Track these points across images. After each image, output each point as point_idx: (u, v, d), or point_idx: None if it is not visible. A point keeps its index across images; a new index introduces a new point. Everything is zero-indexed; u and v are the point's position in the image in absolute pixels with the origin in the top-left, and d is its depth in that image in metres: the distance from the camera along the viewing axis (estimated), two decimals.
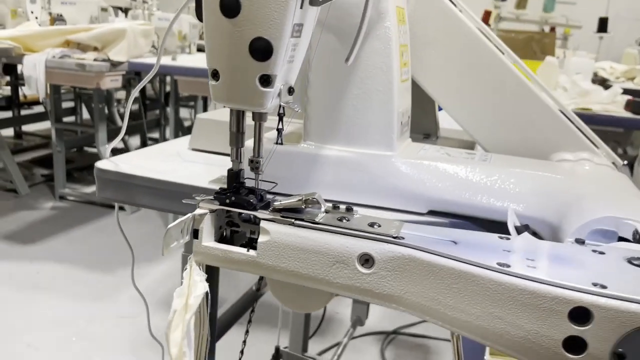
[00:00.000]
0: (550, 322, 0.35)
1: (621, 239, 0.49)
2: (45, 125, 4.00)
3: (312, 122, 0.67)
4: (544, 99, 0.72)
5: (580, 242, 0.50)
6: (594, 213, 0.52)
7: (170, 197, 0.72)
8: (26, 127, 4.21)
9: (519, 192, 0.62)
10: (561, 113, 0.72)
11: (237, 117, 0.43)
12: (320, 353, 1.66)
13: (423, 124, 0.85)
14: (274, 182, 0.46)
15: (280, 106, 0.67)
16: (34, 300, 2.03)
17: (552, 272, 0.37)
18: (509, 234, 0.53)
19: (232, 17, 0.39)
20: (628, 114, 1.85)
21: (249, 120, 0.49)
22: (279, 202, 0.44)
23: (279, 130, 0.68)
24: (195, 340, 0.48)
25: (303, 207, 0.43)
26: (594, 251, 0.41)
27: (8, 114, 3.95)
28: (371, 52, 0.63)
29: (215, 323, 1.02)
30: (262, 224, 0.42)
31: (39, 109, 3.68)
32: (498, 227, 0.63)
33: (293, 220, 0.42)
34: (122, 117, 4.02)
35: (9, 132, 4.09)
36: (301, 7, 0.40)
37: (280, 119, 0.68)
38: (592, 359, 0.35)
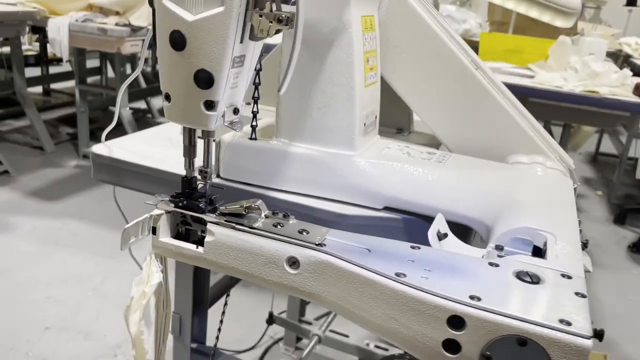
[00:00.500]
0: (433, 326, 0.42)
1: (536, 247, 0.55)
2: (72, 84, 4.13)
3: (283, 121, 0.73)
4: (502, 103, 0.76)
5: (499, 248, 0.56)
6: (517, 221, 0.57)
7: (157, 182, 0.79)
8: (54, 85, 4.34)
9: (464, 194, 0.67)
10: (520, 117, 0.77)
11: (189, 133, 0.50)
12: (318, 318, 1.75)
13: (396, 119, 0.90)
14: (221, 188, 0.52)
15: (253, 104, 0.73)
16: (55, 255, 2.17)
17: (440, 282, 0.43)
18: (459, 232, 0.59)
19: (180, 51, 0.45)
20: (635, 99, 1.85)
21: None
22: (224, 207, 0.50)
23: (253, 127, 0.75)
24: (159, 319, 0.56)
25: (244, 212, 0.50)
26: (490, 264, 0.47)
27: (37, 71, 4.07)
28: (335, 61, 0.68)
29: (207, 289, 1.10)
30: (209, 225, 0.49)
31: (67, 66, 3.79)
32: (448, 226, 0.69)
33: (234, 224, 0.49)
34: (146, 77, 4.10)
35: (37, 89, 4.23)
36: (241, 42, 0.46)
37: (254, 116, 0.74)
38: (465, 359, 0.41)
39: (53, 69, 4.25)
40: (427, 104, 0.80)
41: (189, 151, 0.50)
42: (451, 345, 0.42)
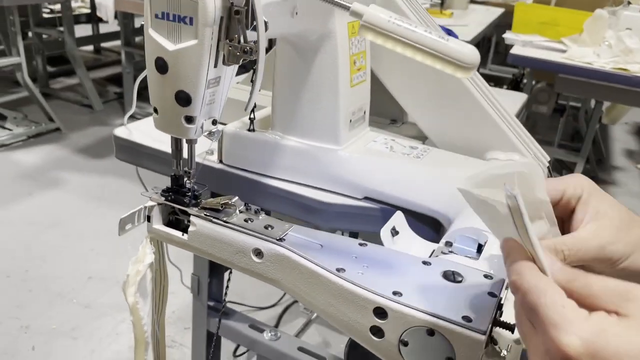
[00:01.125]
0: (362, 314, 0.50)
1: (481, 245, 0.62)
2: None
3: (276, 115, 0.81)
4: (481, 101, 0.81)
5: (448, 244, 0.63)
6: (472, 219, 0.64)
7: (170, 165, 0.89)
8: (105, 44, 4.50)
9: (433, 189, 0.74)
10: (498, 115, 0.82)
11: (175, 140, 0.59)
12: None
13: (391, 110, 0.96)
14: (204, 185, 0.61)
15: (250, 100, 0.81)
16: (98, 210, 2.35)
17: (372, 278, 0.51)
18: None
19: (163, 74, 0.53)
20: None
21: None
22: (205, 202, 0.59)
23: (251, 120, 0.83)
24: (156, 291, 0.67)
25: (221, 208, 0.58)
26: (424, 262, 0.54)
27: (88, 28, 4.22)
28: (320, 65, 0.75)
29: None
30: (192, 217, 0.59)
31: (117, 25, 3.93)
32: (420, 217, 0.76)
33: (212, 218, 0.58)
34: None
35: (88, 47, 4.41)
36: (215, 67, 0.53)
37: (252, 111, 0.82)
38: (388, 343, 0.50)
39: (103, 28, 4.41)
40: (413, 100, 0.86)
41: (176, 155, 0.59)
42: (377, 331, 0.50)
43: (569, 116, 3.23)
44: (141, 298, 0.62)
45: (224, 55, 0.53)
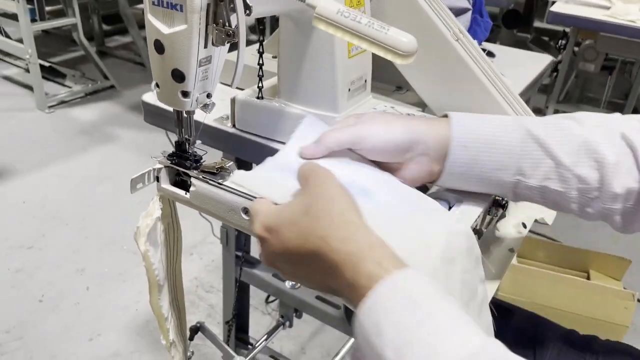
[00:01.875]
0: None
1: (451, 206, 0.68)
2: None
3: (281, 85, 0.88)
4: (477, 74, 0.85)
5: None
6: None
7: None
8: None
9: None
10: (494, 88, 0.85)
11: (176, 112, 0.67)
12: None
13: (396, 77, 1.00)
14: (205, 150, 0.69)
15: (259, 68, 0.88)
16: (148, 165, 2.50)
17: None
18: None
19: (161, 54, 0.61)
20: None
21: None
22: (204, 166, 0.68)
23: (260, 89, 0.90)
24: (170, 241, 0.77)
25: (216, 172, 0.67)
26: None
27: None
28: (318, 38, 0.80)
29: None
30: (192, 179, 0.67)
31: None
32: None
33: (208, 180, 0.66)
34: None
35: (141, 5, 4.54)
36: (205, 47, 0.61)
37: (260, 79, 0.89)
38: None
39: None
40: (414, 70, 0.90)
41: (177, 124, 0.67)
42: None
43: (625, 72, 3.12)
44: (152, 247, 0.72)
45: (212, 38, 0.60)
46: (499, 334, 0.52)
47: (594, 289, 1.68)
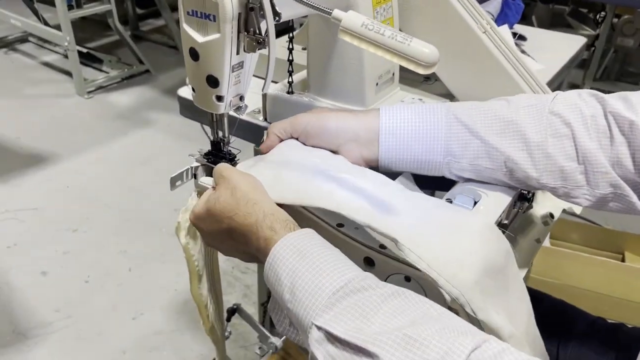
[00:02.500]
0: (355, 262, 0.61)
1: (476, 202, 0.70)
2: None
3: (311, 79, 0.90)
4: (504, 65, 0.85)
5: (449, 201, 0.71)
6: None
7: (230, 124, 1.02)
8: None
9: None
10: (522, 79, 0.86)
11: (211, 113, 0.70)
12: None
13: None
14: (239, 149, 0.73)
15: (289, 64, 0.90)
16: (185, 149, 2.57)
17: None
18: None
19: (196, 61, 0.64)
20: None
21: None
22: (238, 164, 0.72)
23: (290, 83, 0.93)
24: None
25: None
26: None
27: None
28: None
29: None
30: None
31: None
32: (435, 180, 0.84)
33: None
34: None
35: None
36: (237, 53, 0.64)
37: (290, 74, 0.92)
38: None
39: None
40: (442, 61, 0.91)
41: (212, 126, 0.71)
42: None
43: None
44: (191, 240, 0.76)
45: (244, 45, 0.63)
46: None
47: (628, 270, 1.67)
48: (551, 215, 0.85)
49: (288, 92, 0.92)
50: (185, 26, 0.63)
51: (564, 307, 0.84)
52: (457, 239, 0.58)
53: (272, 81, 0.79)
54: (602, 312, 0.86)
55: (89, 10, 2.89)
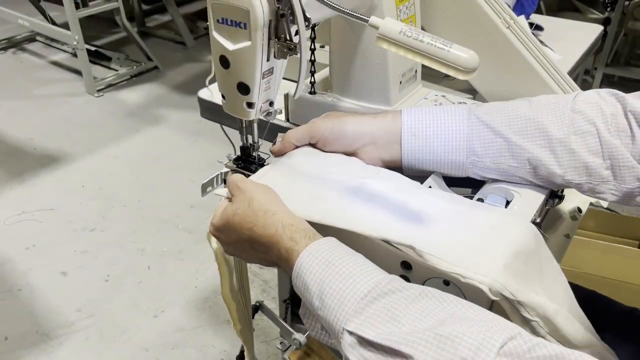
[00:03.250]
0: (393, 267, 0.62)
1: (508, 202, 0.70)
2: None
3: (334, 79, 0.90)
4: (529, 60, 0.85)
5: (480, 200, 0.72)
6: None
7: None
8: None
9: None
10: (547, 74, 0.86)
11: (240, 119, 0.71)
12: None
13: None
14: (267, 154, 0.73)
15: (311, 64, 0.90)
16: (196, 145, 2.58)
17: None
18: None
19: (226, 69, 0.65)
20: None
21: None
22: None
23: (312, 83, 0.93)
24: None
25: None
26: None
27: None
28: (369, 35, 0.82)
29: None
30: None
31: None
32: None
33: None
34: None
35: None
36: (268, 60, 0.64)
37: (312, 75, 0.92)
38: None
39: None
40: None
41: (242, 132, 0.71)
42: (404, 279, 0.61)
43: None
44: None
45: (274, 51, 0.63)
46: None
47: None
48: (579, 210, 0.85)
49: (310, 92, 0.92)
50: (215, 34, 0.64)
51: (596, 298, 0.84)
52: (476, 232, 0.58)
53: (293, 81, 0.79)
54: (622, 300, 0.87)
55: (97, 8, 2.88)
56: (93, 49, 3.22)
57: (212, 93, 1.07)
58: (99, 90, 3.00)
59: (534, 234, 0.60)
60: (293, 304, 1.51)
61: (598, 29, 1.38)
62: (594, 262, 1.69)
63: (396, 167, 0.72)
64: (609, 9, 3.04)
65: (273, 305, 1.72)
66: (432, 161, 0.69)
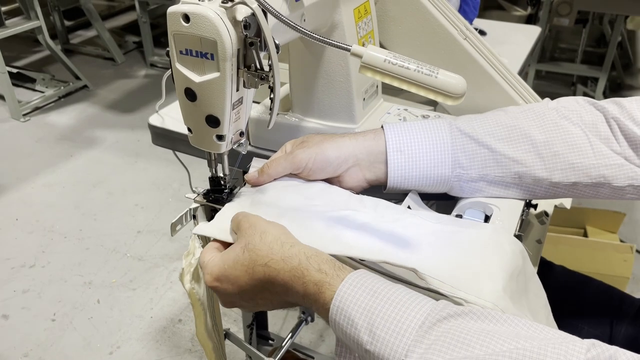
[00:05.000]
0: None
1: (488, 217, 0.70)
2: None
3: (295, 100, 0.88)
4: (488, 69, 0.86)
5: (459, 216, 0.71)
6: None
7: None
8: None
9: None
10: (506, 83, 0.86)
11: (209, 153, 0.67)
12: None
13: None
14: (236, 186, 0.70)
15: (270, 90, 0.87)
16: (136, 165, 2.47)
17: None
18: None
19: (193, 101, 0.61)
20: None
21: None
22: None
23: (272, 102, 0.89)
24: None
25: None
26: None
27: None
28: (331, 55, 0.80)
29: None
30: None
31: None
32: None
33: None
34: None
35: None
36: (237, 90, 0.60)
37: (272, 102, 0.89)
38: None
39: None
40: None
41: (210, 164, 0.67)
42: None
43: (594, 20, 3.15)
44: (196, 283, 0.72)
45: (243, 81, 0.59)
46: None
47: (594, 246, 1.74)
48: (546, 214, 0.87)
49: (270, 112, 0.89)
50: (178, 66, 0.59)
51: (612, 292, 0.85)
52: (471, 253, 0.58)
53: (255, 102, 0.76)
54: None
55: (16, 29, 2.71)
56: (15, 70, 3.03)
57: (163, 119, 1.02)
58: (25, 115, 2.82)
59: (521, 251, 0.60)
60: (257, 325, 1.47)
61: (537, 30, 1.42)
62: (545, 254, 1.75)
63: (379, 185, 0.70)
64: (532, 7, 3.18)
65: (235, 328, 1.67)
66: (417, 177, 0.68)
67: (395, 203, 0.69)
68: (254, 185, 0.69)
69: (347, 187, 0.71)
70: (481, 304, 0.51)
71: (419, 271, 0.54)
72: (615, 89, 3.09)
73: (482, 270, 0.56)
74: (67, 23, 3.75)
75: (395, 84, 0.49)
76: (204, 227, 0.67)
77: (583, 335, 0.43)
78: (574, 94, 2.91)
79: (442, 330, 0.45)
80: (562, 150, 0.64)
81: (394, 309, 0.46)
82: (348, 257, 0.59)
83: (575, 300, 0.66)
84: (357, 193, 0.71)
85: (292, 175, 0.70)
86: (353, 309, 0.48)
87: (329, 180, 0.71)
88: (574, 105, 0.66)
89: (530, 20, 3.19)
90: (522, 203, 0.70)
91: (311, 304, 0.52)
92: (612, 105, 0.64)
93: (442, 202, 0.81)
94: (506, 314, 0.47)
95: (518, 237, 0.69)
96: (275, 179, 0.70)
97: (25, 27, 2.75)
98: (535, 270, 0.64)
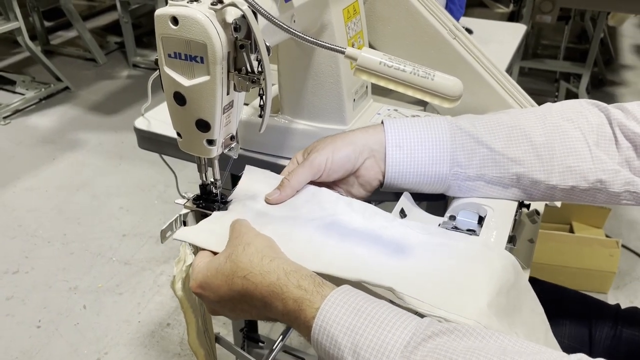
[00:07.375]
0: None
1: (481, 218, 0.69)
2: None
3: (284, 102, 0.86)
4: (477, 69, 0.85)
5: (452, 218, 0.71)
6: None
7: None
8: None
9: None
10: (496, 82, 0.86)
11: (198, 158, 0.65)
12: None
13: None
14: (230, 190, 0.68)
15: (260, 88, 0.86)
16: (120, 168, 2.44)
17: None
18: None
19: (182, 106, 0.59)
20: None
21: None
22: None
23: (261, 106, 0.88)
24: None
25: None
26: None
27: None
28: (320, 55, 0.79)
29: None
30: None
31: None
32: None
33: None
34: None
35: None
36: (228, 94, 0.59)
37: (261, 97, 0.87)
38: None
39: None
40: None
41: (200, 170, 0.66)
42: None
43: (575, 16, 3.18)
44: (187, 291, 0.71)
45: (234, 84, 0.58)
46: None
47: (580, 241, 1.75)
48: (537, 213, 0.87)
49: (260, 115, 0.88)
50: (167, 69, 0.58)
51: (587, 299, 0.85)
52: (457, 268, 0.57)
53: (245, 103, 0.75)
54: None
55: None
56: None
57: (149, 122, 1.00)
58: (5, 118, 2.77)
59: (513, 265, 0.59)
60: (249, 331, 1.45)
61: (522, 28, 1.43)
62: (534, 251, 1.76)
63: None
64: (515, 4, 3.20)
65: (225, 331, 1.65)
66: (415, 173, 0.67)
67: (392, 202, 0.68)
68: (277, 203, 0.67)
69: (366, 183, 0.70)
70: (462, 322, 0.50)
71: (396, 290, 0.53)
72: (598, 85, 3.12)
73: (466, 286, 0.54)
74: (47, 24, 3.69)
75: (391, 86, 0.49)
76: (186, 233, 0.65)
77: (564, 347, 0.43)
78: (557, 91, 2.94)
79: (427, 349, 0.44)
80: (561, 153, 0.63)
81: (377, 328, 0.45)
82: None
83: (553, 313, 0.66)
84: (370, 191, 0.71)
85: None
86: (336, 328, 0.46)
87: (341, 181, 0.70)
88: (578, 107, 0.66)
89: (513, 17, 3.20)
90: (516, 204, 0.69)
91: (292, 322, 0.50)
92: (614, 108, 0.65)
93: (433, 202, 0.80)
94: (491, 331, 0.46)
95: (512, 238, 0.68)
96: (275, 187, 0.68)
97: (4, 28, 2.70)
98: (530, 287, 0.63)
